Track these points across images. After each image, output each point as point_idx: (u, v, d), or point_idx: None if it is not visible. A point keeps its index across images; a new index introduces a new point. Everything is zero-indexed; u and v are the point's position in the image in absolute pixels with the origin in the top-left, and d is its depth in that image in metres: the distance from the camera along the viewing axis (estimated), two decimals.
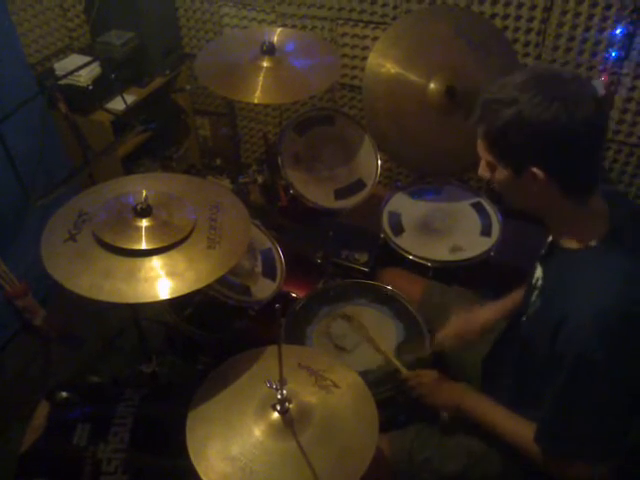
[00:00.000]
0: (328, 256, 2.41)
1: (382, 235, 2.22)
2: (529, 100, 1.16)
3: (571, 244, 1.30)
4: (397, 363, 1.69)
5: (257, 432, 1.27)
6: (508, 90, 1.19)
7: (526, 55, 2.50)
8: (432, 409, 1.58)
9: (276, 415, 1.27)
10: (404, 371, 1.67)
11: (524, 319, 1.46)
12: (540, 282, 1.42)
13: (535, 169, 1.21)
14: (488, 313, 1.75)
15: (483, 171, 1.34)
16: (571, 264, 1.29)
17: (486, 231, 2.22)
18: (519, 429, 1.38)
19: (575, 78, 1.20)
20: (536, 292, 1.42)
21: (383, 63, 2.25)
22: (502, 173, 1.27)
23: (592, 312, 1.19)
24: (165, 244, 1.44)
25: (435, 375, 1.61)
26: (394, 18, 2.63)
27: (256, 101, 2.07)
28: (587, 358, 1.20)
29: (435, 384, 1.59)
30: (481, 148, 1.29)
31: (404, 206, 2.34)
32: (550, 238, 1.40)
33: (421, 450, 1.57)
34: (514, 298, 1.69)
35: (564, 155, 1.20)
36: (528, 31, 2.46)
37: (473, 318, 1.75)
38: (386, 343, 1.78)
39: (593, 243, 1.26)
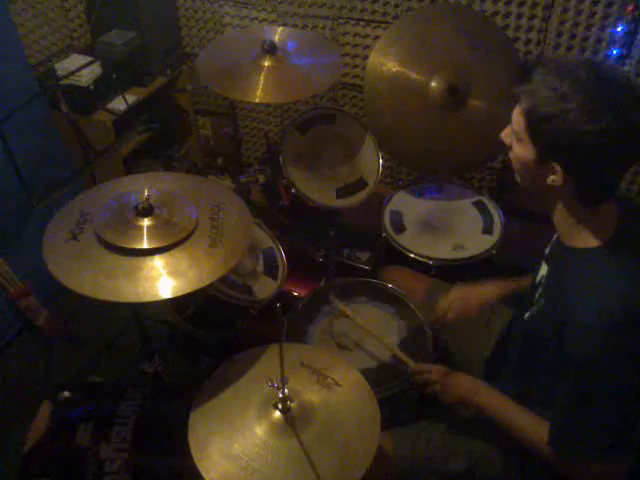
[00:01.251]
0: (330, 255, 2.41)
1: (384, 234, 2.22)
2: (582, 104, 1.12)
3: (577, 243, 1.29)
4: (404, 357, 1.68)
5: (259, 431, 1.27)
6: (567, 82, 1.15)
7: (527, 53, 2.50)
8: (445, 404, 1.57)
9: (278, 414, 1.28)
10: (412, 364, 1.65)
11: (527, 317, 1.45)
12: (544, 280, 1.42)
13: (557, 165, 1.20)
14: (490, 287, 1.76)
15: (507, 136, 1.32)
16: (576, 263, 1.28)
17: (488, 229, 2.22)
18: (533, 427, 1.36)
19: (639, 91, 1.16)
20: (540, 290, 1.42)
21: (384, 62, 2.25)
22: (526, 150, 1.25)
23: (596, 313, 1.19)
24: (167, 243, 1.44)
25: (445, 371, 1.58)
26: (395, 17, 2.63)
27: (257, 100, 2.07)
28: (593, 359, 1.19)
29: (447, 380, 1.56)
30: (517, 117, 1.25)
31: (406, 204, 2.34)
32: (555, 236, 1.39)
33: (424, 449, 1.57)
34: (519, 282, 1.69)
35: (591, 167, 1.19)
36: (529, 29, 2.46)
37: (477, 290, 1.76)
38: (388, 341, 1.77)
39: (599, 243, 1.25)
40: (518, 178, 1.35)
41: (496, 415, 1.45)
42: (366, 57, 2.52)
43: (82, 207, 1.55)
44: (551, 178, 1.22)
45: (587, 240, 1.27)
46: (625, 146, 1.16)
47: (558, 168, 1.20)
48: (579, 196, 1.24)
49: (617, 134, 1.12)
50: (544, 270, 1.43)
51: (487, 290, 1.76)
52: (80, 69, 2.28)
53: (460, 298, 1.76)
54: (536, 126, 1.20)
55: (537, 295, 1.42)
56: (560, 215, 1.31)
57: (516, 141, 1.28)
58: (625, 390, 1.23)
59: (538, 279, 1.46)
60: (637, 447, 1.28)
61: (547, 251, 1.47)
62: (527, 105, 1.21)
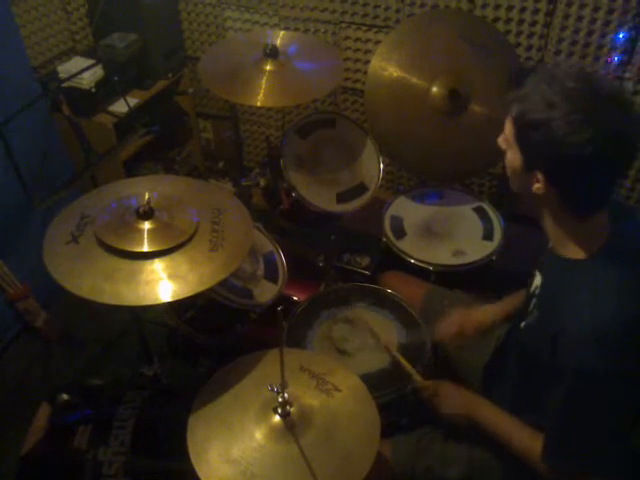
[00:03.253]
0: (330, 259, 2.41)
1: (384, 239, 2.22)
2: (567, 114, 1.12)
3: (568, 253, 1.29)
4: (413, 371, 1.66)
5: (258, 435, 1.27)
6: (554, 90, 1.14)
7: (528, 59, 2.50)
8: (443, 418, 1.56)
9: (277, 418, 1.28)
10: (419, 380, 1.64)
11: (523, 326, 1.45)
12: (538, 290, 1.41)
13: (539, 174, 1.20)
14: (487, 313, 1.75)
15: (502, 142, 1.31)
16: (568, 274, 1.28)
17: (488, 235, 2.22)
18: (530, 442, 1.35)
19: (628, 107, 1.14)
20: (534, 300, 1.42)
21: (385, 67, 2.25)
22: (514, 156, 1.26)
23: (589, 325, 1.19)
24: (167, 246, 1.44)
25: (448, 386, 1.58)
26: (397, 22, 2.64)
27: (259, 104, 2.08)
28: (586, 372, 1.19)
29: (449, 395, 1.56)
30: (507, 123, 1.26)
31: (406, 210, 2.34)
32: (549, 245, 1.39)
33: (423, 456, 1.57)
34: (515, 300, 1.68)
35: (573, 178, 1.19)
36: (531, 35, 2.46)
37: (472, 315, 1.75)
38: (393, 349, 1.77)
39: (590, 253, 1.25)
40: (510, 183, 1.35)
41: (494, 430, 1.44)
42: (367, 62, 2.53)
43: (83, 210, 1.55)
44: (535, 186, 1.23)
45: (578, 251, 1.26)
46: (608, 160, 1.15)
47: (540, 176, 1.20)
48: (564, 206, 1.24)
49: (600, 147, 1.12)
50: (538, 280, 1.43)
51: (484, 314, 1.75)
52: (82, 72, 2.27)
53: (457, 323, 1.75)
54: (523, 133, 1.21)
55: (532, 305, 1.42)
56: (549, 224, 1.31)
57: (507, 147, 1.29)
58: (618, 402, 1.22)
59: (532, 289, 1.45)
60: (631, 461, 1.27)
61: (542, 260, 1.46)
62: (516, 111, 1.21)
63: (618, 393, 1.21)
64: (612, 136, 1.12)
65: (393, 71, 2.25)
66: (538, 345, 1.31)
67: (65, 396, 1.74)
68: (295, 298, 2.14)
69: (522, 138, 1.22)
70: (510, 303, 1.71)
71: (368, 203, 2.24)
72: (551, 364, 1.26)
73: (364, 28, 2.73)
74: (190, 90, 3.21)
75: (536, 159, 1.21)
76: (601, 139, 1.11)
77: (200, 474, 1.21)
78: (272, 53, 2.13)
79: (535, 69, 1.23)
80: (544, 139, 1.15)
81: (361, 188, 2.25)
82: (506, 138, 1.28)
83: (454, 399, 1.54)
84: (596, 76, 1.20)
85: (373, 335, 1.80)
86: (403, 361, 1.69)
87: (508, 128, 1.26)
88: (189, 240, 1.48)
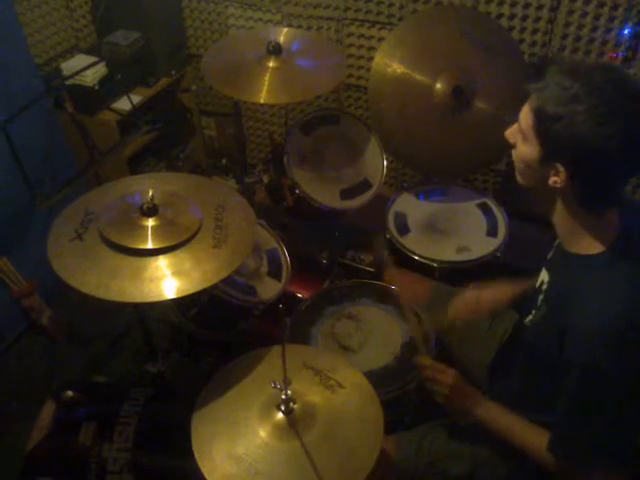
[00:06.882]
0: (333, 256, 2.41)
1: (388, 235, 2.21)
2: (591, 108, 1.11)
3: (578, 249, 1.28)
4: (421, 346, 1.66)
5: (262, 432, 1.27)
6: (580, 84, 1.13)
7: (532, 55, 2.50)
8: (443, 409, 1.56)
9: (281, 415, 1.28)
10: (427, 358, 1.61)
11: (529, 322, 1.44)
12: (545, 286, 1.41)
13: (560, 166, 1.19)
14: (502, 289, 1.75)
15: (511, 135, 1.30)
16: (578, 270, 1.27)
17: (492, 231, 2.21)
18: (533, 439, 1.36)
19: None
20: (541, 296, 1.41)
21: (389, 63, 2.25)
22: (531, 149, 1.24)
23: (598, 320, 1.18)
24: (171, 243, 1.44)
25: (454, 375, 1.55)
26: (400, 18, 2.63)
27: (262, 101, 2.07)
28: (595, 367, 1.19)
29: (453, 386, 1.53)
30: (526, 115, 1.23)
31: (410, 206, 2.34)
32: (557, 241, 1.38)
33: (427, 452, 1.57)
34: (524, 285, 1.67)
35: (595, 171, 1.18)
36: (535, 31, 2.45)
37: (487, 291, 1.75)
38: (391, 343, 1.77)
39: (601, 249, 1.24)
40: (519, 177, 1.34)
41: (497, 428, 1.44)
42: (371, 58, 2.52)
43: (87, 207, 1.56)
44: (553, 179, 1.21)
45: (588, 246, 1.26)
46: (631, 154, 1.15)
47: (561, 169, 1.19)
48: (580, 200, 1.23)
49: (625, 141, 1.11)
50: (545, 276, 1.43)
51: (499, 292, 1.75)
52: (85, 69, 2.28)
53: (472, 299, 1.75)
54: (543, 125, 1.19)
55: (539, 301, 1.41)
56: (561, 219, 1.30)
57: (522, 140, 1.27)
58: (626, 397, 1.22)
59: (538, 284, 1.45)
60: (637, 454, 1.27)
61: (549, 256, 1.46)
62: (537, 103, 1.19)
63: (626, 389, 1.21)
64: (637, 129, 1.12)
65: (397, 68, 2.24)
66: (546, 340, 1.31)
67: (70, 393, 1.74)
68: (299, 295, 2.15)
69: (543, 130, 1.20)
70: (520, 286, 1.70)
71: (372, 199, 2.24)
72: (558, 360, 1.26)
73: (367, 25, 2.72)
74: (193, 87, 3.21)
75: (557, 151, 1.19)
76: (627, 132, 1.11)
77: (204, 471, 1.21)
78: (275, 50, 2.13)
79: (553, 60, 1.21)
80: (568, 131, 1.14)
81: (365, 184, 2.25)
82: (523, 130, 1.25)
83: (457, 393, 1.53)
84: (620, 71, 1.19)
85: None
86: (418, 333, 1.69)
87: (526, 119, 1.23)
88: (193, 237, 1.48)
